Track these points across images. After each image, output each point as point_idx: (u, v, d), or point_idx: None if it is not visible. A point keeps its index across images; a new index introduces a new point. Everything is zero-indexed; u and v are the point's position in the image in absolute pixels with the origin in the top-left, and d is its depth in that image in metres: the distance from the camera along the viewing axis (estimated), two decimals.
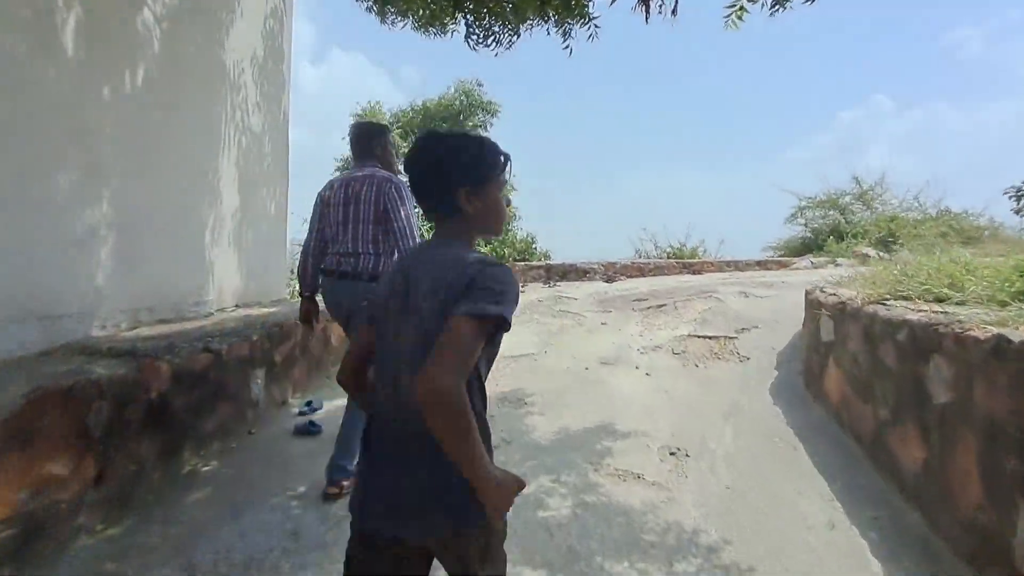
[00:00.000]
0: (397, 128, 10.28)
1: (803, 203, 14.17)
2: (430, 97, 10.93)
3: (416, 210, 2.71)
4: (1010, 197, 13.12)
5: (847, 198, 13.64)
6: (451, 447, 0.96)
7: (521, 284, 10.26)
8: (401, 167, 1.81)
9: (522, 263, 10.40)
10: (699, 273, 11.28)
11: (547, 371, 4.74)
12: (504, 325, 1.11)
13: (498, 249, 10.04)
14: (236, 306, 4.69)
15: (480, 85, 10.86)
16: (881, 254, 12.47)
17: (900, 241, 11.54)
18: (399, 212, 2.66)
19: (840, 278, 5.23)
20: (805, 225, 14.21)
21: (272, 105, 5.51)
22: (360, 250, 2.68)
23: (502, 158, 1.28)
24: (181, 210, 4.12)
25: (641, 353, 5.05)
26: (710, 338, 5.12)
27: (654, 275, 11.20)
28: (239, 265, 4.76)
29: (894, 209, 13.58)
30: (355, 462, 2.65)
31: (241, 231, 4.80)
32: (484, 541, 1.14)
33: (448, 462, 0.97)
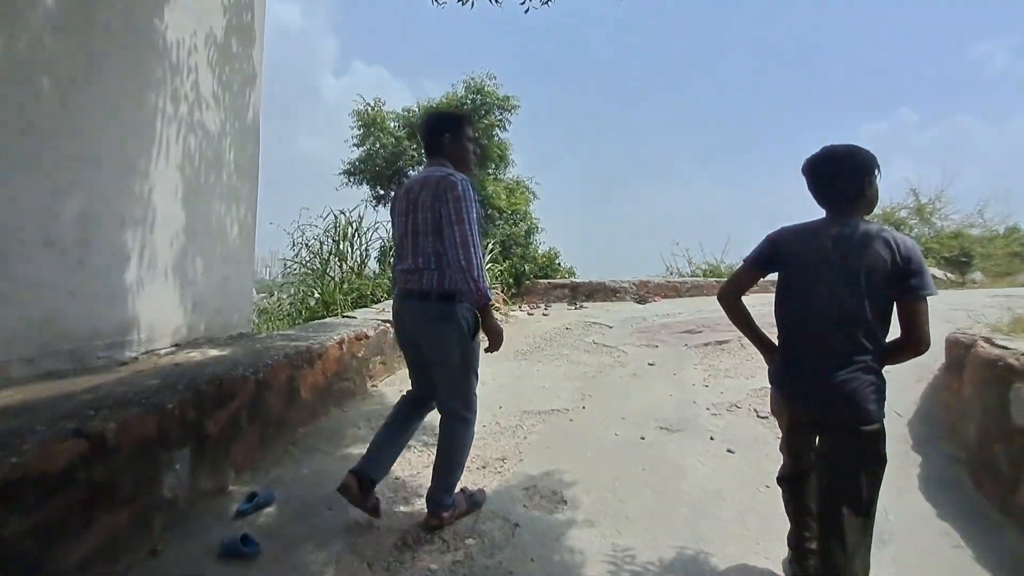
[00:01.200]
0: (403, 130, 9.14)
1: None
2: (435, 96, 9.77)
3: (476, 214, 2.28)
4: None
5: (903, 212, 12.22)
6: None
7: (544, 305, 9.03)
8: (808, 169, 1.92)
9: (544, 280, 9.19)
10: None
11: (589, 440, 3.46)
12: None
13: (518, 264, 8.84)
14: (175, 346, 3.51)
15: (493, 79, 9.61)
16: (949, 275, 11.08)
17: (974, 261, 10.15)
18: (451, 218, 2.18)
19: (978, 316, 3.93)
20: None
21: (236, 99, 4.31)
22: (421, 265, 2.31)
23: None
24: (87, 222, 2.95)
25: (713, 414, 3.76)
26: None
27: (691, 295, 9.89)
28: (181, 294, 3.59)
29: (956, 225, 12.15)
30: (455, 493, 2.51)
31: (185, 252, 3.64)
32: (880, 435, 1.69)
33: (864, 377, 1.66)
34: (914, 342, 1.66)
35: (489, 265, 7.77)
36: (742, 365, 4.50)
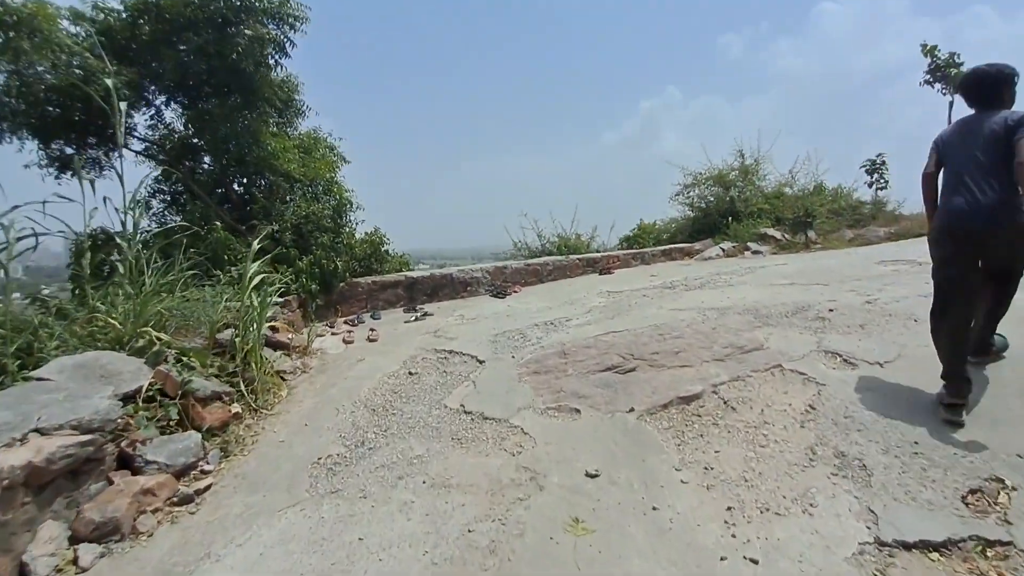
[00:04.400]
0: (100, 37, 5.09)
1: (689, 179, 12.02)
2: None
3: None
4: (866, 171, 12.43)
5: (733, 174, 11.74)
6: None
7: (369, 315, 6.11)
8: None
9: (367, 279, 6.25)
10: (609, 272, 8.24)
11: None
12: None
13: (324, 259, 5.74)
14: None
15: None
16: (786, 236, 10.84)
17: (816, 222, 9.86)
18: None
19: None
20: (691, 204, 12.09)
21: None
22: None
23: None
24: None
25: None
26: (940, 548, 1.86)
27: (554, 279, 7.86)
28: None
29: (774, 185, 12.10)
30: None
31: None
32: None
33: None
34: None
35: (264, 271, 4.59)
36: (768, 462, 2.37)
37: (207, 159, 6.17)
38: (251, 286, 3.57)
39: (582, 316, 4.95)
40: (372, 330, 5.07)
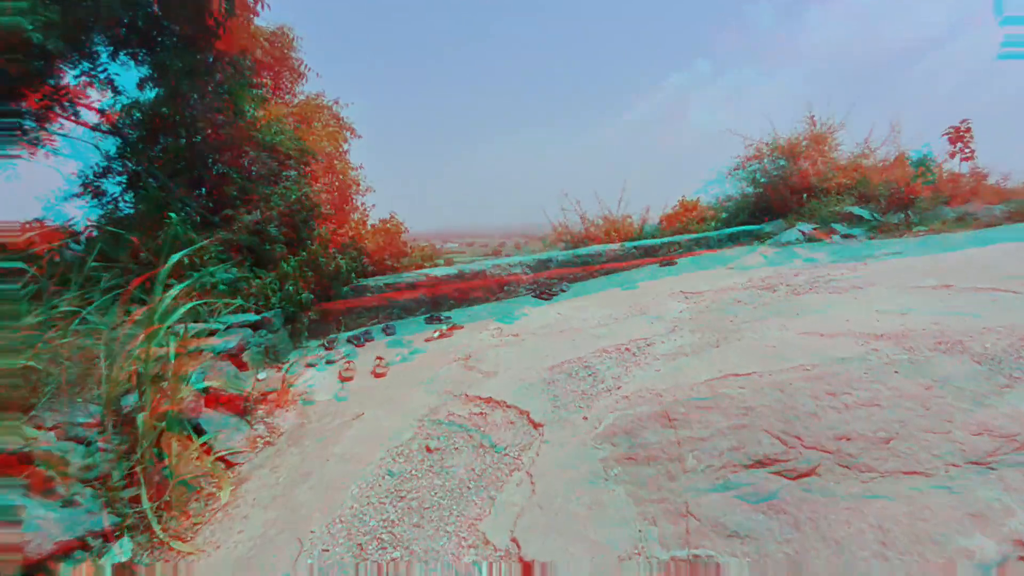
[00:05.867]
0: None
1: (751, 151, 10.29)
2: None
3: None
4: (949, 139, 10.53)
5: (805, 142, 9.96)
6: None
7: (382, 331, 4.82)
8: None
9: (378, 280, 4.87)
10: (672, 262, 6.76)
11: None
12: None
13: (323, 258, 4.42)
14: None
15: None
16: (876, 216, 9.11)
17: (916, 197, 8.13)
18: None
19: None
20: (752, 180, 10.38)
21: None
22: None
23: None
24: None
25: None
26: None
27: (606, 272, 6.44)
28: None
29: (850, 157, 10.28)
30: None
31: None
32: None
33: None
34: None
35: (242, 278, 3.29)
36: None
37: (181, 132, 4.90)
38: (167, 324, 2.28)
39: (666, 336, 3.54)
40: (379, 359, 3.76)
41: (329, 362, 3.89)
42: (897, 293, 3.81)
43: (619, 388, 2.82)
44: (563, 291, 5.63)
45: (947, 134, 10.16)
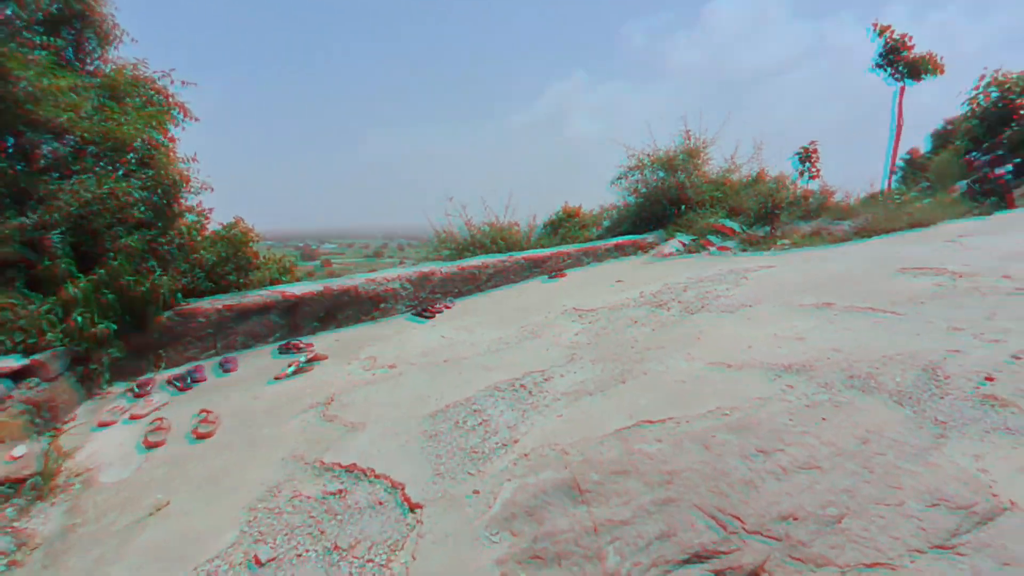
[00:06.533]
0: None
1: (632, 160, 10.54)
2: None
3: None
4: (799, 159, 11.84)
5: (681, 156, 10.43)
6: None
7: (217, 357, 3.84)
8: None
9: (214, 302, 3.83)
10: (560, 274, 6.49)
11: None
12: None
13: (128, 275, 3.34)
14: None
15: None
16: (744, 229, 9.71)
17: (780, 212, 8.76)
18: None
19: None
20: (635, 190, 10.65)
21: None
22: None
23: None
24: None
25: None
26: None
27: (494, 285, 5.96)
28: None
29: (719, 172, 11.00)
30: None
31: None
32: None
33: None
34: None
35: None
36: None
37: None
38: None
39: (565, 367, 3.12)
40: (205, 413, 2.86)
41: (135, 417, 2.89)
42: (785, 312, 3.79)
43: (516, 442, 2.31)
44: (448, 308, 5.05)
45: (797, 154, 11.32)
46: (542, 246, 7.62)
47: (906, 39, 9.11)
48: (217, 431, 2.69)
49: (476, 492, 1.97)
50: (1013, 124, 11.32)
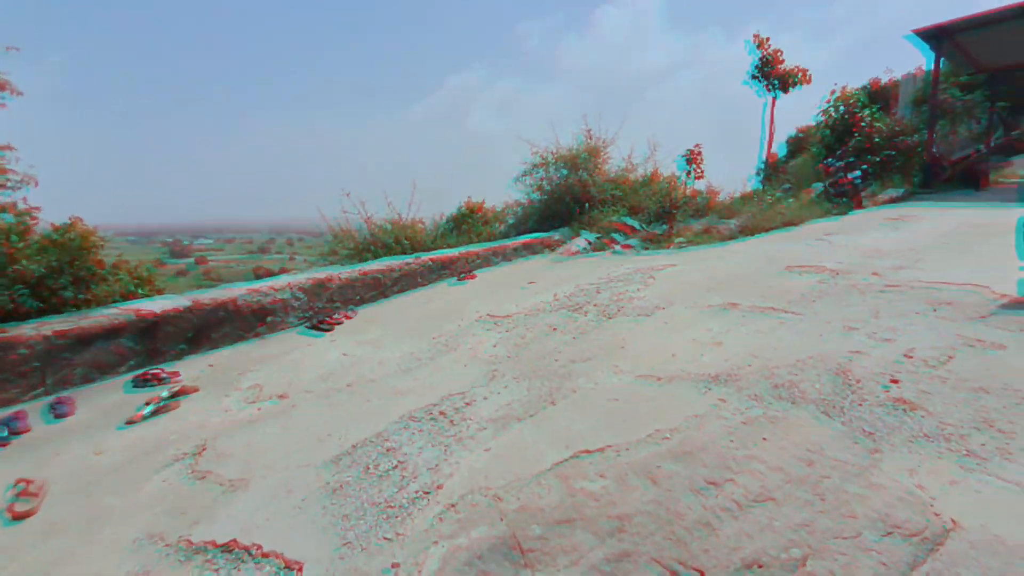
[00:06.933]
0: None
1: (537, 158, 10.49)
2: None
3: None
4: (686, 160, 12.65)
5: (584, 154, 10.57)
6: None
7: (47, 398, 3.01)
8: None
9: (42, 326, 3.02)
10: (470, 276, 6.17)
11: None
12: None
13: None
14: None
15: None
16: (643, 227, 10.02)
17: (678, 211, 9.12)
18: None
19: None
20: (539, 187, 10.62)
21: None
22: None
23: None
24: None
25: None
26: None
27: (400, 289, 5.50)
28: None
29: (618, 171, 11.34)
30: None
31: None
32: None
33: None
34: None
35: None
36: None
37: None
38: None
39: (487, 387, 2.83)
40: (24, 483, 2.17)
41: None
42: (698, 316, 3.83)
43: (440, 487, 1.98)
44: (349, 318, 4.54)
45: (683, 156, 12.01)
46: (449, 245, 7.26)
47: (778, 54, 9.95)
48: (41, 507, 2.04)
49: (395, 565, 1.62)
50: (855, 134, 12.97)
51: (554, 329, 3.79)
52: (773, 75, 9.92)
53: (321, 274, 4.58)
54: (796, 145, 19.03)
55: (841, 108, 13.41)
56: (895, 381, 2.41)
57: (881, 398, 2.26)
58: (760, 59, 9.93)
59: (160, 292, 4.18)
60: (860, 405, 2.20)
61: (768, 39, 9.64)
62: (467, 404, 2.63)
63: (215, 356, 3.67)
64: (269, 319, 4.12)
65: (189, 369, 3.44)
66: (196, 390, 3.12)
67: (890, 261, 5.19)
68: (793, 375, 2.52)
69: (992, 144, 14.17)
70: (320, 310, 4.48)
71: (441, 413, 2.55)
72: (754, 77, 10.29)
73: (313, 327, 4.27)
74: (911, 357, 2.68)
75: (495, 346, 3.54)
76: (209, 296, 3.84)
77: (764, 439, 1.95)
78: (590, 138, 10.68)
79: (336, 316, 4.49)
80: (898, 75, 27.20)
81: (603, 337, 3.48)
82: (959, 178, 11.51)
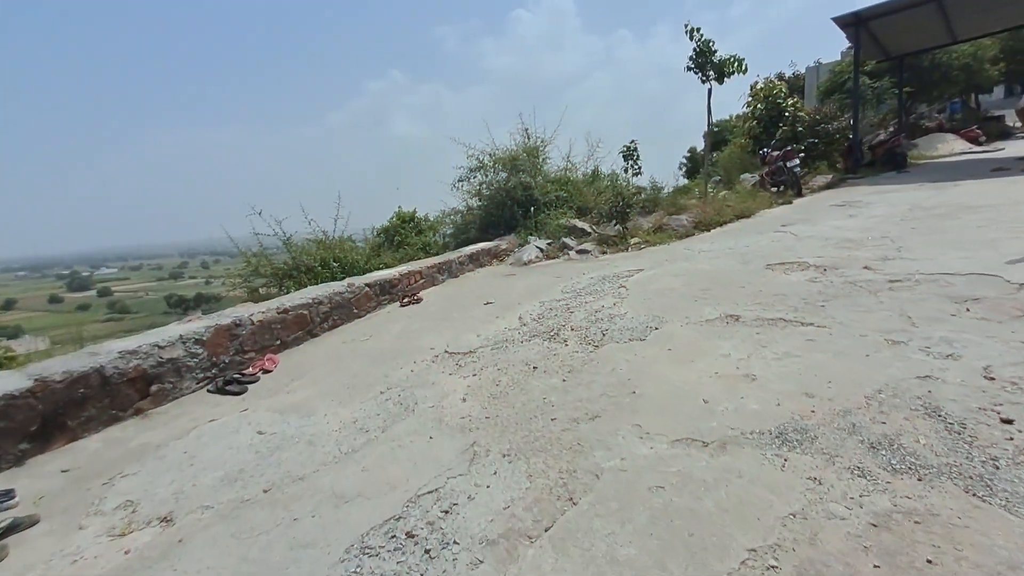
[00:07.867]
0: None
1: (474, 161, 9.68)
2: None
3: None
4: (624, 156, 12.37)
5: (523, 156, 9.88)
6: None
7: None
8: None
9: None
10: (415, 300, 5.28)
11: None
12: None
13: None
14: None
15: None
16: (595, 229, 9.43)
17: (631, 210, 8.59)
18: None
19: None
20: (478, 193, 9.81)
21: None
22: None
23: None
24: None
25: None
26: None
27: (333, 325, 4.52)
28: None
29: (558, 171, 10.76)
30: None
31: None
32: None
33: None
34: None
35: None
36: None
37: None
38: None
39: (469, 473, 2.01)
40: None
41: None
42: (701, 335, 3.20)
43: None
44: (268, 368, 3.55)
45: (621, 152, 11.64)
46: (385, 264, 6.31)
47: (711, 44, 9.76)
48: None
49: None
50: (781, 125, 13.19)
51: (534, 368, 3.03)
52: (708, 66, 9.72)
53: (224, 320, 3.54)
54: (718, 137, 19.46)
55: (767, 101, 13.67)
56: (1007, 421, 1.85)
57: (1009, 451, 1.69)
58: (694, 50, 9.71)
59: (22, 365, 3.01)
60: (996, 468, 1.61)
61: (699, 28, 9.44)
62: (445, 512, 1.81)
63: (74, 454, 2.59)
64: (155, 387, 3.06)
65: (33, 481, 2.36)
66: (37, 521, 2.08)
67: (870, 252, 4.86)
68: (880, 423, 1.91)
69: (900, 128, 15.02)
70: (227, 365, 3.46)
71: (408, 535, 1.72)
72: (689, 69, 10.07)
73: (219, 390, 3.25)
74: (993, 378, 2.16)
75: (464, 400, 2.73)
76: (62, 369, 2.73)
77: (929, 561, 1.29)
78: (528, 138, 10.05)
79: (250, 370, 3.49)
80: (802, 68, 28.79)
81: (600, 377, 2.75)
82: (881, 161, 11.94)
